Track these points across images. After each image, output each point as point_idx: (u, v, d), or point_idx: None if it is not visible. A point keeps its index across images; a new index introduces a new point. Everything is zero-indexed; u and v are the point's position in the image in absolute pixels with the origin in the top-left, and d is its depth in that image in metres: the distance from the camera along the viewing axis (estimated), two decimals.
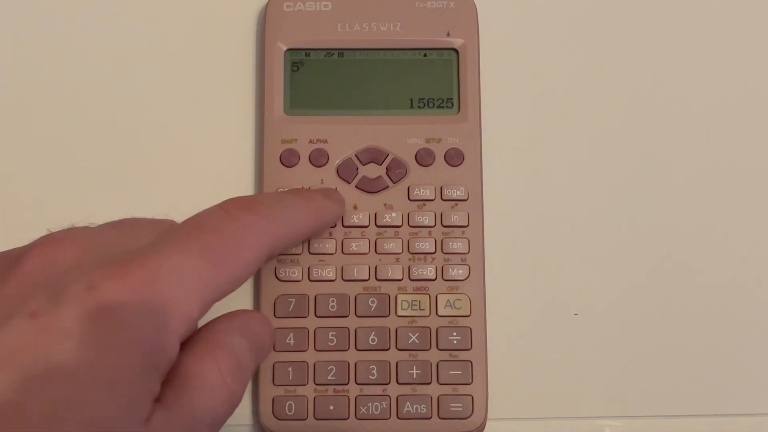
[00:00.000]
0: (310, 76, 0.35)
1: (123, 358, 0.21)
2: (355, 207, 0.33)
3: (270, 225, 0.26)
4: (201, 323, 0.25)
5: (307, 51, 0.35)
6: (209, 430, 0.24)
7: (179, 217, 0.35)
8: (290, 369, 0.32)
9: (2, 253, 0.25)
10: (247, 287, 0.34)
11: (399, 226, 0.33)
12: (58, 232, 0.25)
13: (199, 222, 0.25)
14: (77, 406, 0.21)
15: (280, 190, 0.33)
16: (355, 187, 0.34)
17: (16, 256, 0.24)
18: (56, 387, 0.20)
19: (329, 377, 0.32)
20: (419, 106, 0.35)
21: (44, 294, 0.22)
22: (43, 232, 0.25)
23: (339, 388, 0.32)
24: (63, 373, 0.21)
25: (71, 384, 0.21)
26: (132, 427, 0.21)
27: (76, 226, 0.26)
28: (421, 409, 0.32)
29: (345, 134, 0.34)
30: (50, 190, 0.35)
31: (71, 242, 0.24)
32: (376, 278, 0.33)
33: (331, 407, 0.31)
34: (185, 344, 0.24)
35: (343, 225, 0.33)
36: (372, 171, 0.34)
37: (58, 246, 0.24)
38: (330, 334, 0.32)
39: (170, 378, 0.23)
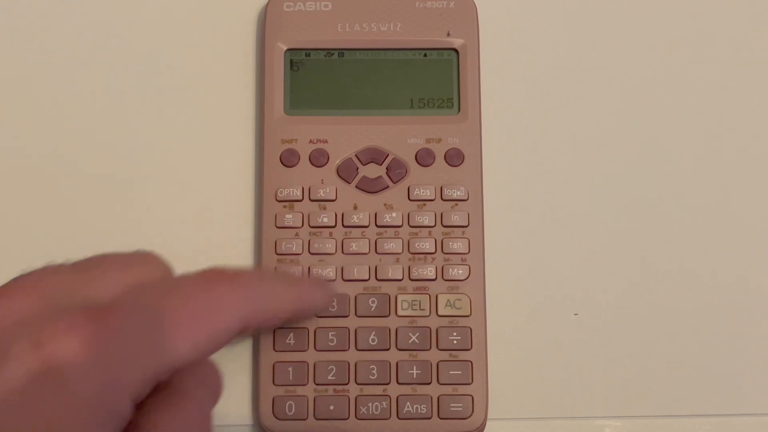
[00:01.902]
0: (310, 76, 0.35)
1: (67, 419, 0.20)
2: (355, 207, 0.33)
3: (244, 301, 0.25)
4: None
5: (307, 51, 0.35)
6: None
7: (180, 217, 0.35)
8: (290, 369, 0.32)
9: None
10: None
11: (399, 226, 0.33)
12: (17, 279, 0.24)
13: (172, 284, 0.25)
14: None
15: (280, 190, 0.33)
16: (355, 187, 0.34)
17: None
18: None
19: (329, 377, 0.32)
20: (419, 106, 0.35)
21: None
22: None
23: (339, 388, 0.32)
24: None
25: None
26: None
27: (52, 264, 0.25)
28: (421, 409, 0.32)
29: (345, 134, 0.34)
30: (50, 189, 0.35)
31: (25, 293, 0.23)
32: (376, 278, 0.33)
33: (331, 407, 0.31)
34: (152, 396, 0.23)
35: (343, 225, 0.33)
36: (372, 171, 0.34)
37: (10, 298, 0.23)
38: (330, 334, 0.32)
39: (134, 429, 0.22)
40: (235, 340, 0.29)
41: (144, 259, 0.26)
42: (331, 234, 0.33)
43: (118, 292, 0.23)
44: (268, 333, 0.32)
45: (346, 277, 0.33)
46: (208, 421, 0.24)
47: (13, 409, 0.20)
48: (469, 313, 0.32)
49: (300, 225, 0.33)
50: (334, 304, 0.32)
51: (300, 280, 0.30)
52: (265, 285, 0.27)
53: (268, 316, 0.27)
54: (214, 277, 0.25)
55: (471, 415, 0.32)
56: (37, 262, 0.34)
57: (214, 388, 0.26)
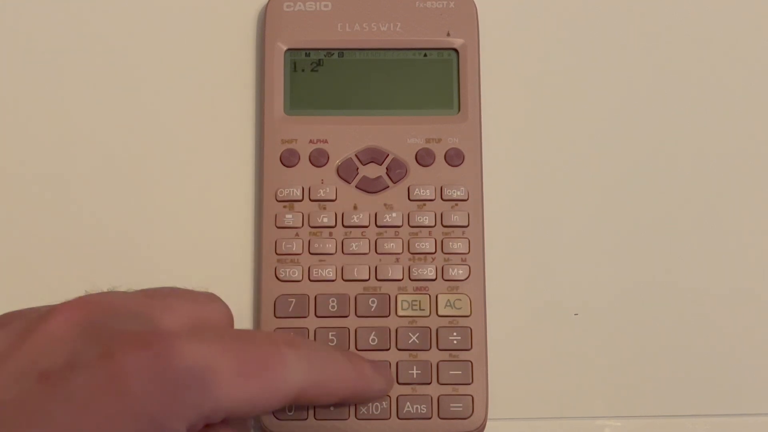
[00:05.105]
0: (310, 76, 0.35)
1: (126, 428, 0.21)
2: (355, 207, 0.33)
3: (307, 367, 0.26)
4: None
5: (307, 51, 0.35)
6: None
7: (180, 217, 0.35)
8: None
9: (31, 309, 0.25)
10: (248, 287, 0.34)
11: (399, 226, 0.33)
12: (90, 295, 0.25)
13: (240, 333, 0.26)
14: None
15: (280, 190, 0.33)
16: (355, 187, 0.34)
17: (43, 314, 0.23)
18: None
19: None
20: (419, 106, 0.35)
21: (59, 356, 0.22)
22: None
23: None
24: None
25: None
26: None
27: (114, 290, 0.25)
28: (421, 409, 0.31)
29: (345, 134, 0.34)
30: (50, 189, 0.35)
31: (98, 307, 0.24)
32: (376, 278, 0.33)
33: (331, 407, 0.31)
34: None
35: (343, 225, 0.33)
36: (372, 171, 0.34)
37: (83, 309, 0.23)
38: (330, 334, 0.32)
39: None
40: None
41: (210, 298, 0.27)
42: (331, 234, 0.33)
43: (185, 324, 0.24)
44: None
45: (346, 277, 0.33)
46: None
47: (73, 413, 0.21)
48: (469, 313, 0.32)
49: (300, 225, 0.33)
50: (335, 304, 0.32)
51: (361, 362, 0.29)
52: (328, 359, 0.27)
53: (325, 391, 0.27)
54: (281, 339, 0.26)
55: (471, 415, 0.32)
56: (39, 262, 0.34)
57: None
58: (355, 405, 0.31)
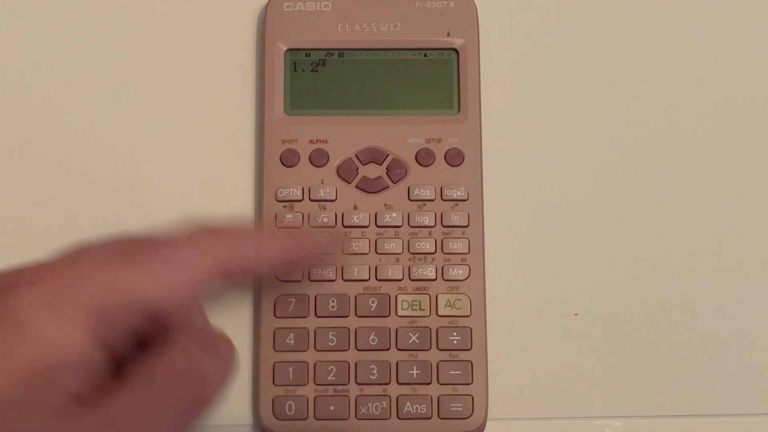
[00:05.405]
0: (310, 76, 0.35)
1: (22, 358, 0.20)
2: (355, 207, 0.33)
3: (220, 243, 0.24)
4: None
5: (307, 51, 0.35)
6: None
7: (179, 216, 0.35)
8: (290, 369, 0.32)
9: None
10: (248, 287, 0.34)
11: (399, 227, 0.33)
12: None
13: (147, 235, 0.24)
14: None
15: (280, 190, 0.33)
16: (355, 187, 0.34)
17: None
18: None
19: (329, 377, 0.32)
20: (419, 106, 0.35)
21: None
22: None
23: (339, 388, 0.32)
24: None
25: None
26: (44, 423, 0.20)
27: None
28: (421, 409, 0.32)
29: (345, 134, 0.34)
30: (50, 189, 0.35)
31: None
32: (376, 278, 0.33)
33: (332, 407, 0.31)
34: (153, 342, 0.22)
35: (343, 225, 0.33)
36: (372, 171, 0.34)
37: None
38: (330, 334, 0.32)
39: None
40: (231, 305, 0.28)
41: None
42: (331, 234, 0.33)
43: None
44: (268, 333, 0.32)
45: (346, 277, 0.33)
46: (197, 380, 0.23)
47: None
48: (469, 313, 0.32)
49: (300, 225, 0.33)
50: (335, 304, 0.32)
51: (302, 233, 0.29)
52: (246, 232, 0.26)
53: (248, 259, 0.25)
54: (192, 224, 0.24)
55: (471, 415, 0.32)
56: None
57: (217, 355, 0.24)
58: (353, 401, 0.31)
